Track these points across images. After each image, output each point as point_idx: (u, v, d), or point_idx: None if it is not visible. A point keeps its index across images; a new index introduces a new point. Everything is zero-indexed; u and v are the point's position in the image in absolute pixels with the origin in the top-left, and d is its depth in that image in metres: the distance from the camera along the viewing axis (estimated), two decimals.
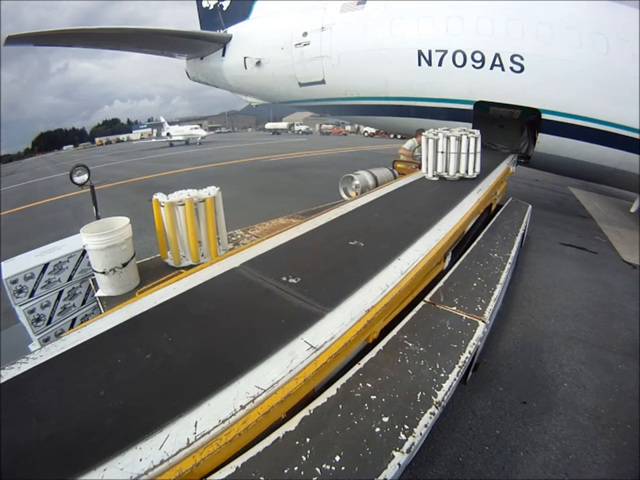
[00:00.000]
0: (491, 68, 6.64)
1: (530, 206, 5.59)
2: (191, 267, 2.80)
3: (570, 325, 4.28)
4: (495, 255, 3.39)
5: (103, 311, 2.34)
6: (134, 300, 1.99)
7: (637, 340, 4.16)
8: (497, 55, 6.57)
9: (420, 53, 6.99)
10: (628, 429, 2.92)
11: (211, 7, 11.81)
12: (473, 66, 6.68)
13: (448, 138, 4.77)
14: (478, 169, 4.95)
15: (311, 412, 1.44)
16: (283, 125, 56.71)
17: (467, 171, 4.86)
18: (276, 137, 44.13)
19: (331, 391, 1.55)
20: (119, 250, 2.56)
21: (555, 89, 6.57)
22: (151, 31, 10.25)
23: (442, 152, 4.82)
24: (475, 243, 3.63)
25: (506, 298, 4.07)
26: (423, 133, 5.16)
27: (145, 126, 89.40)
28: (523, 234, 4.75)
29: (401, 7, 7.51)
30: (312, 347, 1.55)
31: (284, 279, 2.17)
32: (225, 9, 11.40)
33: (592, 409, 3.06)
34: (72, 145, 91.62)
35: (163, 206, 2.84)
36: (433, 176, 4.95)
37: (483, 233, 3.99)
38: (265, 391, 1.32)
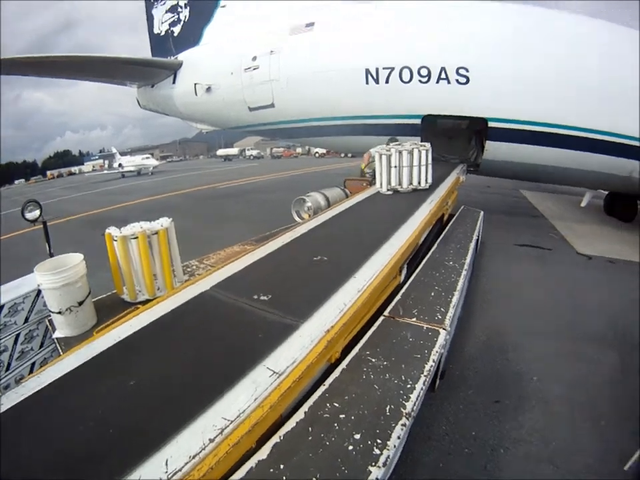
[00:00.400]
0: (437, 82, 6.92)
1: (482, 212, 5.78)
2: (147, 301, 2.73)
3: (532, 321, 4.39)
4: (451, 263, 3.44)
5: (61, 353, 2.28)
6: (92, 340, 1.92)
7: (602, 327, 4.32)
8: (443, 68, 6.88)
9: (367, 72, 7.18)
10: (605, 411, 3.00)
11: (162, 33, 11.69)
12: (420, 81, 6.94)
13: (400, 152, 4.95)
14: (430, 180, 5.14)
15: (282, 438, 1.43)
16: (234, 150, 56.92)
17: (419, 183, 5.05)
18: (227, 163, 44.16)
19: (299, 415, 1.55)
20: (74, 288, 2.49)
21: (499, 97, 6.96)
22: (100, 59, 9.85)
23: (395, 166, 4.97)
24: (429, 254, 3.67)
25: (465, 304, 4.11)
26: (376, 149, 5.26)
27: (97, 157, 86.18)
28: (477, 240, 4.88)
29: (347, 27, 7.76)
30: (274, 372, 1.54)
31: (255, 297, 2.18)
32: (175, 34, 11.32)
33: (566, 398, 3.13)
34: (23, 179, 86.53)
35: (116, 240, 2.78)
36: (387, 190, 5.07)
37: (437, 243, 4.05)
38: (232, 421, 1.30)
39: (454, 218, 5.34)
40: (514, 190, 13.91)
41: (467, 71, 6.83)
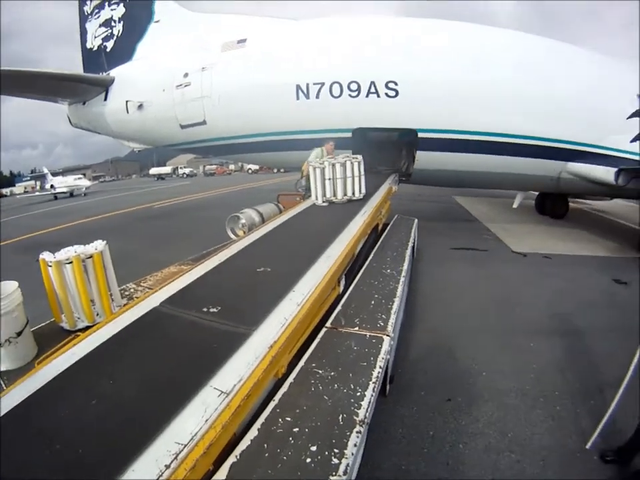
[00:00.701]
0: (367, 96, 7.13)
1: (416, 220, 5.96)
2: (87, 328, 2.61)
3: (474, 320, 4.55)
4: (388, 270, 3.50)
5: (5, 388, 2.14)
6: (35, 371, 1.81)
7: (542, 318, 4.58)
8: (372, 82, 7.10)
9: (298, 87, 7.25)
10: (556, 396, 3.15)
11: (95, 48, 11.21)
12: (350, 95, 7.11)
13: (333, 165, 5.08)
14: (364, 190, 5.29)
15: (238, 457, 1.43)
16: (166, 169, 56.23)
17: (353, 193, 5.19)
18: (161, 182, 43.28)
19: (253, 432, 1.55)
20: (10, 318, 2.34)
21: (428, 108, 7.29)
22: (26, 73, 9.16)
23: (329, 179, 5.08)
24: (367, 263, 3.72)
25: (407, 309, 4.20)
26: (310, 163, 5.34)
27: (28, 178, 79.93)
28: (413, 246, 5.02)
29: (278, 43, 7.82)
30: (222, 392, 1.51)
31: (198, 314, 2.16)
32: (108, 50, 10.89)
33: (516, 388, 3.25)
34: None
35: (50, 265, 2.65)
36: (323, 202, 5.15)
37: (373, 252, 4.11)
38: (185, 445, 1.27)
39: (389, 227, 5.49)
40: (446, 196, 14.58)
41: (396, 84, 7.10)
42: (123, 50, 10.44)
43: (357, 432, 1.54)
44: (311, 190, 5.29)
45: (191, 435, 1.31)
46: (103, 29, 11.05)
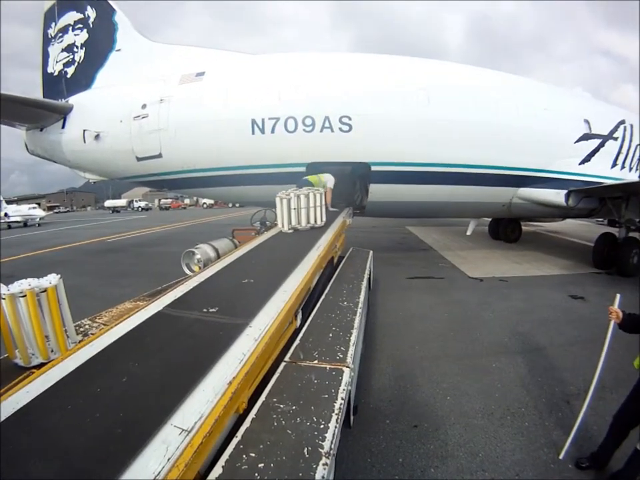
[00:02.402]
0: (321, 130, 7.34)
1: (371, 252, 6.08)
2: (42, 365, 2.49)
3: (435, 346, 4.64)
4: (345, 303, 3.54)
5: None
6: None
7: (502, 339, 4.73)
8: (327, 117, 7.32)
9: (253, 122, 7.37)
10: (523, 412, 3.23)
11: (56, 73, 10.94)
12: (304, 130, 7.29)
13: (298, 196, 5.48)
14: (324, 218, 5.65)
15: None
16: (122, 202, 56.06)
17: (315, 221, 5.58)
18: (116, 215, 43.10)
19: (217, 470, 1.52)
20: None
21: (380, 142, 7.55)
22: None
23: (294, 208, 5.44)
24: (323, 297, 3.75)
25: (366, 340, 4.27)
26: (278, 194, 5.64)
27: None
28: (369, 278, 5.13)
29: (235, 78, 7.94)
30: (183, 430, 1.48)
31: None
32: (69, 76, 10.67)
33: (482, 409, 3.31)
34: None
35: (4, 299, 2.52)
36: (289, 229, 5.46)
37: (329, 285, 4.14)
38: None
39: (344, 259, 5.59)
40: (399, 227, 14.98)
41: (350, 119, 7.33)
42: (83, 77, 10.30)
43: (323, 464, 1.53)
44: (278, 218, 5.62)
45: (154, 474, 1.28)
46: (65, 53, 10.86)
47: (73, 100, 10.06)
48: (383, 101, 7.44)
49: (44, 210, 39.04)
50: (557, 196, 8.20)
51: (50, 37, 11.33)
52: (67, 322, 2.92)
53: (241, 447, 1.67)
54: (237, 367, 1.92)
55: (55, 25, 11.17)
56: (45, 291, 2.69)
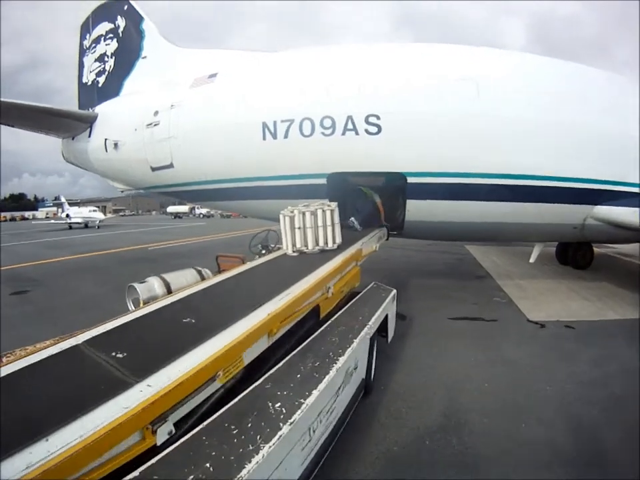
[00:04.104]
0: (343, 133, 5.97)
1: (393, 292, 4.65)
2: None
3: (462, 440, 3.07)
4: (315, 373, 2.46)
5: None
6: None
7: (555, 434, 3.19)
8: (350, 117, 5.95)
9: (264, 126, 6.22)
10: None
11: (89, 83, 11.04)
12: (323, 133, 6.00)
13: (303, 214, 4.73)
14: (338, 239, 4.88)
15: None
16: (184, 208, 57.22)
17: (326, 243, 4.78)
18: (177, 220, 43.84)
19: None
20: None
21: (419, 146, 6.07)
22: (9, 105, 8.64)
23: (299, 227, 4.75)
24: (289, 357, 2.68)
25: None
26: (281, 211, 4.93)
27: (51, 204, 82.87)
28: (384, 327, 4.19)
29: (245, 77, 6.97)
30: None
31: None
32: (100, 85, 10.69)
33: None
34: None
35: None
36: (293, 251, 4.80)
37: (297, 349, 2.83)
38: None
39: (356, 298, 4.26)
40: (457, 246, 12.91)
41: (378, 118, 5.91)
42: (112, 86, 10.17)
43: None
44: (282, 239, 4.96)
45: None
46: (97, 63, 10.96)
47: (98, 109, 9.93)
48: (419, 95, 5.97)
49: (110, 213, 41.65)
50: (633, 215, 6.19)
51: (85, 48, 11.56)
52: None
53: None
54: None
55: (90, 36, 11.35)
56: None
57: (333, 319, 3.52)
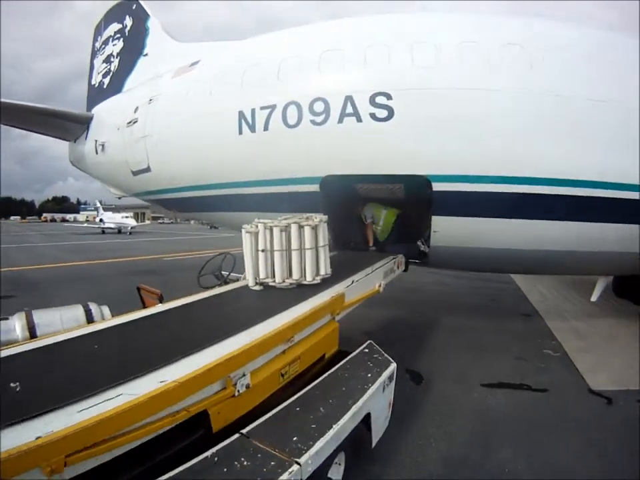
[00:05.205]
0: (340, 120, 4.39)
1: (393, 365, 2.88)
2: None
3: None
4: None
5: None
6: None
7: None
8: (349, 98, 4.37)
9: (241, 116, 4.79)
10: None
11: (97, 84, 10.60)
12: (312, 121, 4.46)
13: (270, 229, 3.36)
14: (324, 270, 3.48)
15: None
16: None
17: (303, 275, 3.38)
18: (212, 231, 40.81)
19: None
20: None
21: (449, 138, 4.29)
22: (8, 105, 8.29)
23: (262, 250, 3.36)
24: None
25: None
26: (243, 226, 3.53)
27: (92, 208, 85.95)
28: (366, 426, 2.51)
29: (226, 60, 5.77)
30: None
31: None
32: (105, 86, 10.17)
33: None
34: (19, 217, 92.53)
35: None
36: (255, 284, 3.42)
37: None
38: None
39: (335, 367, 2.72)
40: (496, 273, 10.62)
41: (389, 98, 4.26)
42: (115, 86, 9.54)
43: None
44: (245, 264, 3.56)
45: None
46: (104, 64, 10.52)
47: (94, 109, 9.32)
48: (448, 64, 4.27)
49: (148, 220, 42.23)
50: None
51: (96, 49, 11.13)
52: None
53: None
54: None
55: (101, 38, 10.86)
56: None
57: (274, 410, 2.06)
